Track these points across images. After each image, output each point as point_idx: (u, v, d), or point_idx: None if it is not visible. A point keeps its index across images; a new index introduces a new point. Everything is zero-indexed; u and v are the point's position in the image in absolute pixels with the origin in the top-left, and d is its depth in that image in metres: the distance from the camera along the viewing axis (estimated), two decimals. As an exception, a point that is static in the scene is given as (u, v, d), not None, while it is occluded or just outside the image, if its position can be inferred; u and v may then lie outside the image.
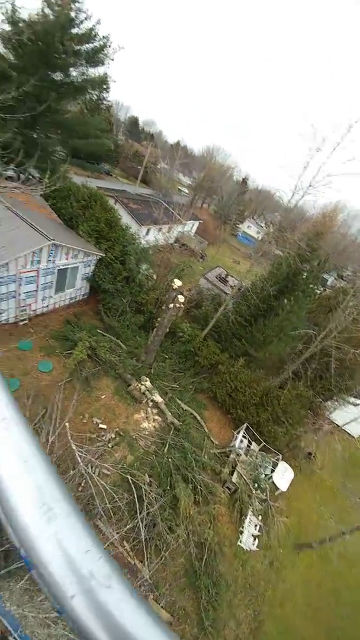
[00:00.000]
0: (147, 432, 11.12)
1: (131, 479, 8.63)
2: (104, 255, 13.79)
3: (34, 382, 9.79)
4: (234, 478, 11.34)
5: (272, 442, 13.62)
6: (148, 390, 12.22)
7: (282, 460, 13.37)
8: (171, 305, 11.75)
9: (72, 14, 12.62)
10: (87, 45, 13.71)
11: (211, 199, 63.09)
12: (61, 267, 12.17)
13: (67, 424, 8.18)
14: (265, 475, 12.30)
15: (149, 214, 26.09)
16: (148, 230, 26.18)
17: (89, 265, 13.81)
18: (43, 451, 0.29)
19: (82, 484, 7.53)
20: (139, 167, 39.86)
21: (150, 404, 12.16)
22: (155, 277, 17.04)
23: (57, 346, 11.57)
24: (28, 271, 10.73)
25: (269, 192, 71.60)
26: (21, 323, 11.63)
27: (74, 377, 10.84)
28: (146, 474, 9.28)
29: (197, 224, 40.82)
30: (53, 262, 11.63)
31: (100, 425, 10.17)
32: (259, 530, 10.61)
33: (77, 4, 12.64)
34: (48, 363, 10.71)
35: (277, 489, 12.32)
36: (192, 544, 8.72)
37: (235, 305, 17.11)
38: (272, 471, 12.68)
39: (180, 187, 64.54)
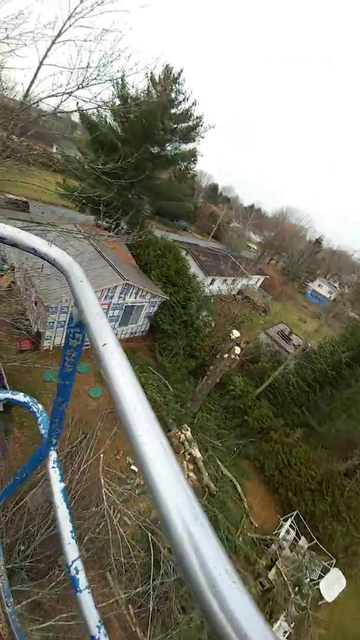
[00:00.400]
0: (178, 489, 10.09)
1: (152, 538, 7.70)
2: (168, 298, 14.73)
3: (81, 406, 10.23)
4: (271, 574, 9.24)
5: (326, 541, 10.79)
6: (187, 441, 11.43)
7: (335, 566, 10.35)
8: (226, 355, 11.39)
9: (172, 95, 15.48)
10: (182, 124, 16.62)
11: (280, 256, 63.64)
12: (129, 304, 13.39)
13: (102, 455, 8.08)
14: (311, 580, 9.66)
15: (217, 265, 27.56)
16: (213, 281, 27.38)
17: (153, 306, 14.85)
18: (184, 476, 0.38)
19: (101, 526, 7.03)
20: (213, 225, 43.74)
21: (187, 457, 11.23)
22: (213, 324, 17.16)
23: (110, 376, 12.14)
24: (101, 303, 12.08)
25: (345, 253, 68.76)
26: (84, 347, 12.77)
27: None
28: (169, 539, 8.19)
29: (262, 278, 41.04)
30: (123, 299, 12.92)
31: (132, 467, 9.71)
32: (287, 638, 8.42)
33: (177, 85, 15.53)
34: (98, 389, 11.20)
35: (321, 598, 9.47)
36: (207, 633, 6.98)
37: (297, 366, 15.62)
38: (321, 577, 9.91)
39: (249, 244, 67.51)
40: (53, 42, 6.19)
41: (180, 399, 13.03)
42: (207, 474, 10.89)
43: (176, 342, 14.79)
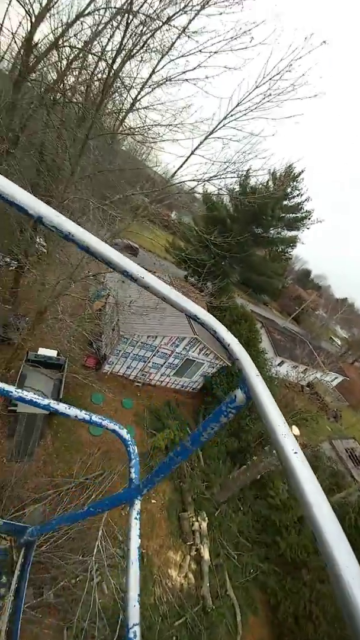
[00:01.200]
0: (170, 584, 8.41)
1: (121, 622, 6.45)
2: (230, 365, 14.37)
3: (111, 440, 10.16)
4: None
5: None
6: (200, 534, 9.74)
7: None
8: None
9: (288, 189, 17.10)
10: (291, 214, 17.97)
11: (368, 361, 55.71)
12: (190, 358, 13.60)
13: (109, 503, 7.59)
14: None
15: (290, 348, 25.97)
16: (282, 362, 25.62)
17: (213, 367, 14.65)
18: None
19: (78, 579, 6.33)
20: (297, 308, 42.61)
21: (193, 552, 9.45)
22: (269, 408, 15.56)
23: (147, 419, 11.97)
24: (166, 349, 12.69)
25: None
26: (136, 384, 13.23)
27: (141, 459, 10.46)
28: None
29: (341, 378, 36.18)
30: (187, 351, 13.26)
31: (133, 533, 8.70)
32: None
33: (294, 183, 17.12)
34: (132, 430, 11.06)
35: None
36: None
37: (361, 501, 12.24)
38: None
39: (333, 337, 62.08)
40: (206, 137, 7.18)
41: (208, 480, 11.57)
42: (207, 585, 8.82)
43: (223, 413, 13.81)
